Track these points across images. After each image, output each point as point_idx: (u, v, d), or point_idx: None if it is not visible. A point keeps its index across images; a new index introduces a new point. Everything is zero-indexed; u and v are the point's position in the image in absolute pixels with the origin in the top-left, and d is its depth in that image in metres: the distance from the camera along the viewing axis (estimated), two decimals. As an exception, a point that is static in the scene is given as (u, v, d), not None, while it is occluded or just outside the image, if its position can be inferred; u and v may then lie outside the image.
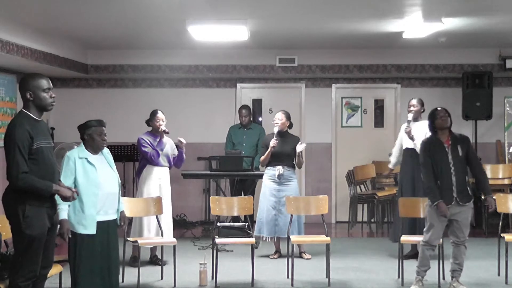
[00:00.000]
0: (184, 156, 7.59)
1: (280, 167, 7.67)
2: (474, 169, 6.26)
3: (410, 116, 7.62)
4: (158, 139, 7.36)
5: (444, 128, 6.21)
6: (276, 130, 7.74)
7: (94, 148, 5.30)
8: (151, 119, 7.45)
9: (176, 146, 7.52)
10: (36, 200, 4.53)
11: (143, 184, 7.37)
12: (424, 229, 6.29)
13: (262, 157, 7.78)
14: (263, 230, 7.66)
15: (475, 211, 9.84)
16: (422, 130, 7.25)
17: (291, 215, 7.17)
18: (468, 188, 6.19)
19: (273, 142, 7.63)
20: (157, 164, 7.35)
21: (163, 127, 7.36)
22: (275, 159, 7.69)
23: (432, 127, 6.27)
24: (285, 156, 7.67)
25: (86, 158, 5.22)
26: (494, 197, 6.46)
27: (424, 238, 6.25)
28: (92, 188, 5.15)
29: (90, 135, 5.29)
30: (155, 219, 7.15)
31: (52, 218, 4.71)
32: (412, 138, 7.44)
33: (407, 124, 7.58)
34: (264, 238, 7.69)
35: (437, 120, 6.21)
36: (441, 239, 6.34)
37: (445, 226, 6.24)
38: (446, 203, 6.09)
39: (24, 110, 4.62)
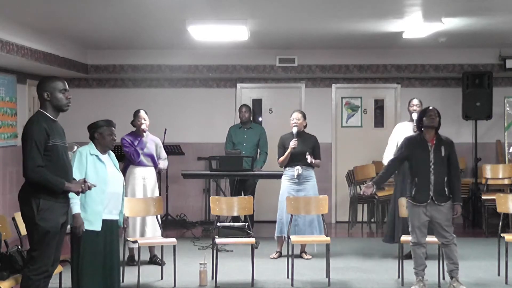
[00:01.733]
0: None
1: (298, 167, 7.65)
2: (451, 173, 6.23)
3: (414, 115, 7.58)
4: (139, 139, 7.38)
5: (431, 127, 6.22)
6: (295, 130, 7.72)
7: (103, 147, 5.42)
8: (134, 119, 7.49)
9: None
10: (50, 195, 4.67)
11: (127, 185, 7.36)
12: (409, 230, 6.30)
13: (281, 158, 7.75)
14: (285, 230, 7.62)
15: (475, 211, 9.88)
16: None
17: (291, 215, 7.17)
18: (446, 189, 6.18)
19: (293, 143, 7.61)
20: (139, 164, 7.36)
21: (143, 126, 7.38)
22: (293, 159, 7.66)
23: (419, 125, 6.31)
24: (303, 156, 7.64)
25: (97, 156, 5.33)
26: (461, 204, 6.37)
27: (412, 239, 6.27)
28: (101, 185, 5.23)
29: (101, 134, 5.40)
30: (139, 220, 7.19)
31: (65, 215, 4.84)
32: None
33: (414, 123, 7.53)
34: (286, 239, 7.67)
35: (425, 117, 6.24)
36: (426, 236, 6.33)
37: (430, 225, 6.26)
38: (421, 201, 6.15)
39: (41, 110, 4.82)
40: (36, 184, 4.63)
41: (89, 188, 4.87)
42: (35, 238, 4.67)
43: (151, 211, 6.97)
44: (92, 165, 5.28)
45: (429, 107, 6.36)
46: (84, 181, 4.86)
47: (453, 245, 6.20)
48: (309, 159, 7.60)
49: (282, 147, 7.79)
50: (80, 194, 4.93)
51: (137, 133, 7.45)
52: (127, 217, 6.69)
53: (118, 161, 5.71)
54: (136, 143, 7.38)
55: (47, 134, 4.66)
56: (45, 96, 4.80)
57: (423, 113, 6.31)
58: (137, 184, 7.34)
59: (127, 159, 7.48)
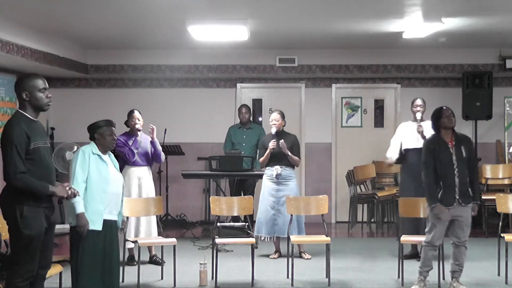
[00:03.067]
0: (159, 147, 7.45)
1: (278, 167, 7.69)
2: (470, 171, 6.19)
3: (418, 115, 7.53)
4: (133, 139, 7.38)
5: (449, 128, 6.18)
6: (274, 131, 7.75)
7: (104, 147, 5.39)
8: (128, 119, 7.48)
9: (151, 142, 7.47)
10: (34, 200, 4.52)
11: None
12: (426, 230, 6.27)
13: (262, 158, 7.81)
14: (262, 230, 7.68)
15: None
16: (430, 129, 7.24)
17: (291, 215, 7.18)
18: (469, 189, 6.15)
19: (272, 144, 7.64)
20: (133, 163, 7.35)
21: (137, 126, 7.37)
22: (273, 159, 7.71)
23: (436, 126, 6.24)
24: (283, 155, 7.67)
25: (99, 155, 5.29)
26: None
27: (426, 239, 6.23)
28: (103, 184, 5.21)
29: (102, 134, 5.37)
30: (133, 220, 7.19)
31: (49, 218, 4.71)
32: (424, 138, 7.36)
33: (418, 123, 7.48)
34: (262, 238, 7.70)
35: (442, 119, 6.15)
36: (441, 239, 6.35)
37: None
38: (448, 204, 6.07)
39: (20, 111, 4.61)
40: (20, 190, 4.48)
41: (74, 196, 4.75)
42: (19, 245, 4.53)
43: (151, 211, 6.97)
44: (95, 165, 5.26)
45: (443, 107, 6.26)
46: (69, 186, 4.76)
47: (463, 248, 6.17)
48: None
49: (263, 147, 7.83)
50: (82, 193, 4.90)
51: (131, 133, 7.45)
52: (127, 217, 6.69)
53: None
54: (130, 143, 7.37)
55: (27, 137, 4.46)
56: (24, 96, 4.58)
57: (438, 113, 6.21)
58: (132, 184, 7.32)
59: (121, 159, 7.46)
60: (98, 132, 5.38)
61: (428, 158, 6.19)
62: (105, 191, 5.24)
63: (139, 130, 7.44)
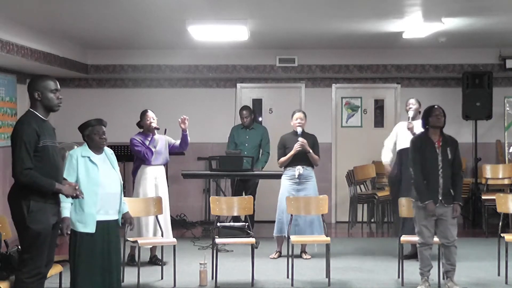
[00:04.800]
0: (189, 138, 7.56)
1: (299, 167, 7.65)
2: (454, 172, 6.19)
3: (411, 113, 7.61)
4: (150, 138, 7.37)
5: (437, 127, 6.18)
6: (300, 130, 7.70)
7: (95, 148, 5.35)
8: (142, 119, 7.47)
9: (182, 133, 7.48)
10: (41, 196, 4.62)
11: (139, 185, 7.35)
12: (416, 231, 6.28)
13: (284, 158, 7.71)
14: (285, 230, 7.60)
15: (475, 211, 9.88)
16: (420, 129, 7.27)
17: (291, 215, 7.17)
18: (452, 190, 6.16)
19: (300, 143, 7.57)
20: (150, 163, 7.34)
21: (154, 124, 7.37)
22: (294, 159, 7.66)
23: (426, 124, 6.25)
24: (304, 155, 7.64)
25: (88, 157, 5.28)
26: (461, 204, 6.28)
27: (418, 240, 6.25)
28: (92, 186, 5.19)
29: (89, 136, 5.35)
30: (152, 219, 7.16)
31: (56, 215, 4.79)
32: (414, 134, 7.41)
33: (409, 121, 7.55)
34: (286, 238, 7.67)
35: (431, 117, 6.18)
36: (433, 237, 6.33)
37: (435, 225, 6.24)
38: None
39: (32, 110, 4.76)
40: (26, 186, 4.58)
41: (77, 197, 4.79)
42: (26, 241, 4.61)
43: (151, 211, 6.97)
44: (83, 168, 5.22)
45: (434, 105, 6.29)
46: (78, 186, 4.81)
47: (453, 247, 6.19)
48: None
49: (283, 147, 7.77)
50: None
51: (146, 132, 7.43)
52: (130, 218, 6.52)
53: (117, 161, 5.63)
54: (147, 143, 7.36)
55: (37, 135, 4.61)
56: (36, 96, 4.74)
57: (428, 112, 6.24)
58: (148, 184, 7.32)
59: (138, 159, 7.44)
60: (85, 134, 5.37)
61: (415, 154, 6.21)
62: (96, 193, 5.20)
63: (158, 129, 7.42)
